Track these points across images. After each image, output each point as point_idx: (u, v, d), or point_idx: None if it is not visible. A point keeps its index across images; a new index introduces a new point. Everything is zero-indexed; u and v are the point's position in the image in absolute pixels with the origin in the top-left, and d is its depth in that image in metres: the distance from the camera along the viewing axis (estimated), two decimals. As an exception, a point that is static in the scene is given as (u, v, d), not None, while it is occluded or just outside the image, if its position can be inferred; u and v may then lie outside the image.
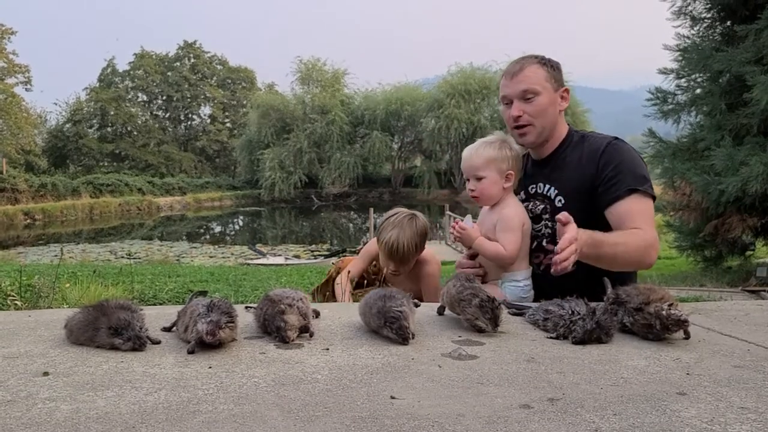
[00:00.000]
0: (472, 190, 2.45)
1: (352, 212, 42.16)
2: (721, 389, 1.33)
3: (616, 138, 2.42)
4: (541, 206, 2.47)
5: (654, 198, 2.33)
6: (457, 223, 2.48)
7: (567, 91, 2.46)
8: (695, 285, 9.23)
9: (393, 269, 2.69)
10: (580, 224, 2.36)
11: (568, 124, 2.51)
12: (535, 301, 2.32)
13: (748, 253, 10.66)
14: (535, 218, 2.48)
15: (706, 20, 10.44)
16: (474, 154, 2.45)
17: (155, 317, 1.91)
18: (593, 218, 2.33)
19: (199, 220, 38.22)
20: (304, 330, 1.72)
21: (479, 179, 2.43)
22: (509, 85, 2.40)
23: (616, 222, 2.29)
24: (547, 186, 2.46)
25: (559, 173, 2.44)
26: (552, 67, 2.42)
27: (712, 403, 1.24)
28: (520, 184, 2.53)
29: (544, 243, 2.46)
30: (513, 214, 2.39)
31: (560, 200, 2.41)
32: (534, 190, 2.50)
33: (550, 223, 2.45)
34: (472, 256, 2.53)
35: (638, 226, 2.24)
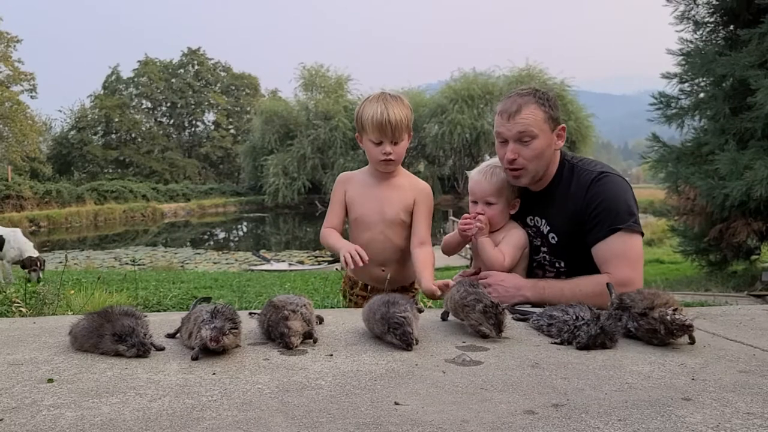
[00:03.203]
0: (481, 214, 2.45)
1: (355, 218, 42.09)
2: (727, 394, 1.32)
3: (603, 172, 2.33)
4: (537, 242, 2.49)
5: (641, 233, 2.29)
6: (478, 214, 2.45)
7: (564, 129, 2.39)
8: (700, 290, 9.20)
9: (386, 153, 2.40)
10: (573, 261, 2.38)
11: (561, 151, 2.45)
12: None
13: (754, 257, 10.62)
14: (533, 250, 2.51)
15: (709, 24, 10.43)
16: (487, 179, 2.46)
17: (159, 324, 1.92)
18: (586, 254, 2.33)
19: (203, 227, 38.25)
20: (308, 336, 1.72)
21: (489, 204, 2.46)
22: (505, 125, 2.31)
23: (598, 264, 2.30)
24: (543, 220, 2.46)
25: (552, 210, 2.42)
26: (550, 106, 2.32)
27: (718, 408, 1.24)
28: (517, 212, 2.53)
29: (541, 272, 2.53)
30: (520, 235, 2.47)
31: (553, 237, 2.42)
32: (532, 222, 2.50)
33: (547, 258, 2.48)
34: (473, 275, 2.56)
35: (610, 270, 2.24)
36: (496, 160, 2.51)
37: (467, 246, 2.69)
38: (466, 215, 2.51)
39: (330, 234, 2.54)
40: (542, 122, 2.29)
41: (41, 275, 7.94)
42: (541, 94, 2.33)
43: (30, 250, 8.22)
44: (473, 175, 2.54)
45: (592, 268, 2.30)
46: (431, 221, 2.55)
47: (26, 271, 8.04)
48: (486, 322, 1.76)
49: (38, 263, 8.03)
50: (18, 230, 8.52)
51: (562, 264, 2.45)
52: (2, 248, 8.18)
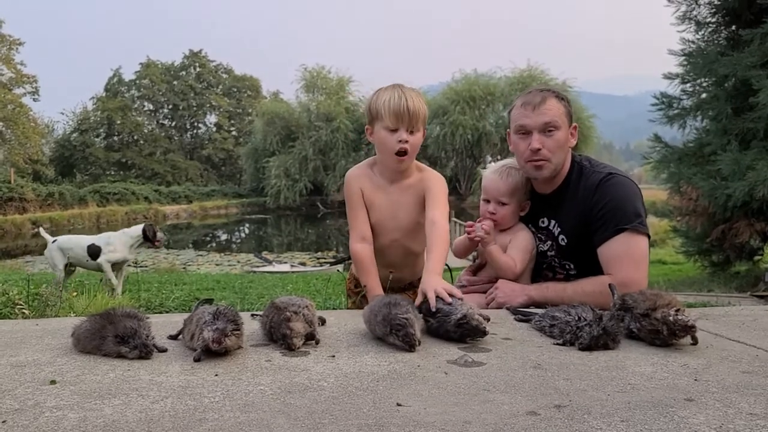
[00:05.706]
0: (492, 213, 2.46)
1: (357, 219, 42.01)
2: (730, 395, 1.32)
3: (611, 174, 2.34)
4: (548, 243, 2.48)
5: (647, 235, 2.28)
6: (481, 221, 2.46)
7: (576, 128, 2.44)
8: (702, 290, 9.17)
9: (402, 141, 2.26)
10: (582, 263, 2.37)
11: (571, 153, 2.47)
12: None
13: (756, 258, 10.59)
14: (541, 254, 2.51)
15: (710, 25, 10.41)
16: (502, 179, 2.46)
17: (161, 325, 1.92)
18: (595, 256, 2.32)
19: (205, 228, 38.27)
20: (310, 337, 1.72)
21: (501, 204, 2.46)
22: (530, 116, 2.33)
23: (603, 264, 2.29)
24: (553, 222, 2.46)
25: (561, 211, 2.43)
26: (567, 102, 2.40)
27: (721, 409, 1.24)
28: (528, 214, 2.53)
29: (551, 274, 2.52)
30: (528, 237, 2.47)
31: (563, 239, 2.43)
32: (544, 224, 2.50)
33: (556, 260, 2.47)
34: (476, 271, 2.56)
35: (613, 270, 2.23)
36: (510, 160, 2.53)
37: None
38: (470, 222, 2.51)
39: (366, 264, 2.34)
40: (563, 115, 2.35)
41: (160, 234, 7.37)
42: (557, 92, 2.41)
43: (134, 230, 7.35)
44: (488, 174, 2.54)
45: (600, 271, 2.30)
46: (446, 202, 2.41)
47: (151, 241, 7.25)
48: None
49: (151, 229, 7.23)
50: (111, 233, 7.52)
51: (572, 266, 2.45)
52: (98, 258, 7.10)
